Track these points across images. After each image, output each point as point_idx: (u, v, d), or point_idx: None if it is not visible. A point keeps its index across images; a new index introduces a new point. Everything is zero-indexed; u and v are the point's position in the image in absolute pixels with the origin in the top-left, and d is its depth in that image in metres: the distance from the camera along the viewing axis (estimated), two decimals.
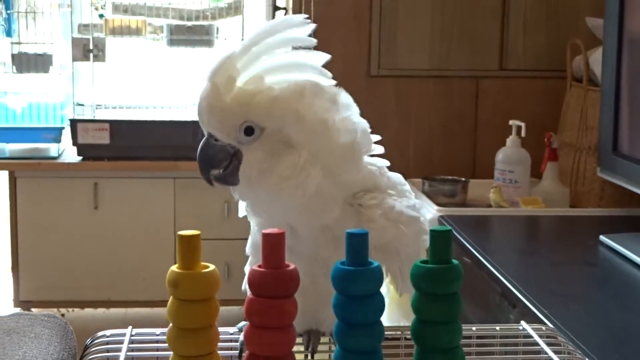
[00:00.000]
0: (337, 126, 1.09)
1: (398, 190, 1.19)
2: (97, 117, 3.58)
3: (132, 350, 1.09)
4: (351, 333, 0.78)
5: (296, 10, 3.31)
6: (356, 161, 1.13)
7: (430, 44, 3.30)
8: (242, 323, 1.15)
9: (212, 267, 0.77)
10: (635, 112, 2.33)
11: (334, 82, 1.14)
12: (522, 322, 1.17)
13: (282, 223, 1.09)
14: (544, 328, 1.15)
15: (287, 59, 1.09)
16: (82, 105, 3.62)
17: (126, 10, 3.62)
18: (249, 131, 1.06)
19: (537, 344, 1.10)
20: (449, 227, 0.78)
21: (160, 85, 3.80)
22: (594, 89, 2.83)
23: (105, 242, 3.61)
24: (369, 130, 1.16)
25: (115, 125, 3.51)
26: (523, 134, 2.82)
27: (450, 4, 3.29)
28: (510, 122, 2.86)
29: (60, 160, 3.58)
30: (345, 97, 1.13)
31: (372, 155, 1.20)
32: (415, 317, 0.82)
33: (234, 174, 1.09)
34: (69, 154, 3.63)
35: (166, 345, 1.11)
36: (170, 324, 0.79)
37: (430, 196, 2.83)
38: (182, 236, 0.75)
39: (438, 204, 2.71)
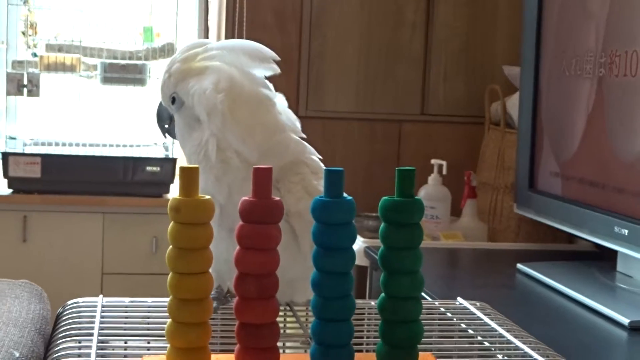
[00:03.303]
0: (229, 110, 1.23)
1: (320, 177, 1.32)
2: (29, 152, 3.62)
3: (104, 316, 1.17)
4: (328, 255, 0.89)
5: None
6: (260, 139, 1.25)
7: (356, 88, 3.45)
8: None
9: (207, 197, 0.88)
10: (549, 151, 2.50)
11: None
12: (459, 298, 1.29)
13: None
14: (478, 304, 1.28)
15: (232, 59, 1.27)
16: (15, 139, 3.65)
17: (60, 49, 3.67)
18: (173, 101, 1.28)
19: (473, 313, 1.23)
20: (414, 167, 0.90)
21: (92, 123, 3.85)
22: (510, 132, 2.99)
23: (33, 275, 3.58)
24: (282, 118, 1.30)
25: (47, 159, 3.54)
26: (444, 171, 2.95)
27: (375, 51, 3.44)
28: (432, 161, 2.99)
29: None
30: (256, 95, 1.27)
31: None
32: (382, 246, 0.94)
33: (174, 130, 1.32)
34: None
35: (135, 310, 1.19)
36: (170, 246, 0.88)
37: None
38: (183, 168, 0.86)
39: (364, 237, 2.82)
